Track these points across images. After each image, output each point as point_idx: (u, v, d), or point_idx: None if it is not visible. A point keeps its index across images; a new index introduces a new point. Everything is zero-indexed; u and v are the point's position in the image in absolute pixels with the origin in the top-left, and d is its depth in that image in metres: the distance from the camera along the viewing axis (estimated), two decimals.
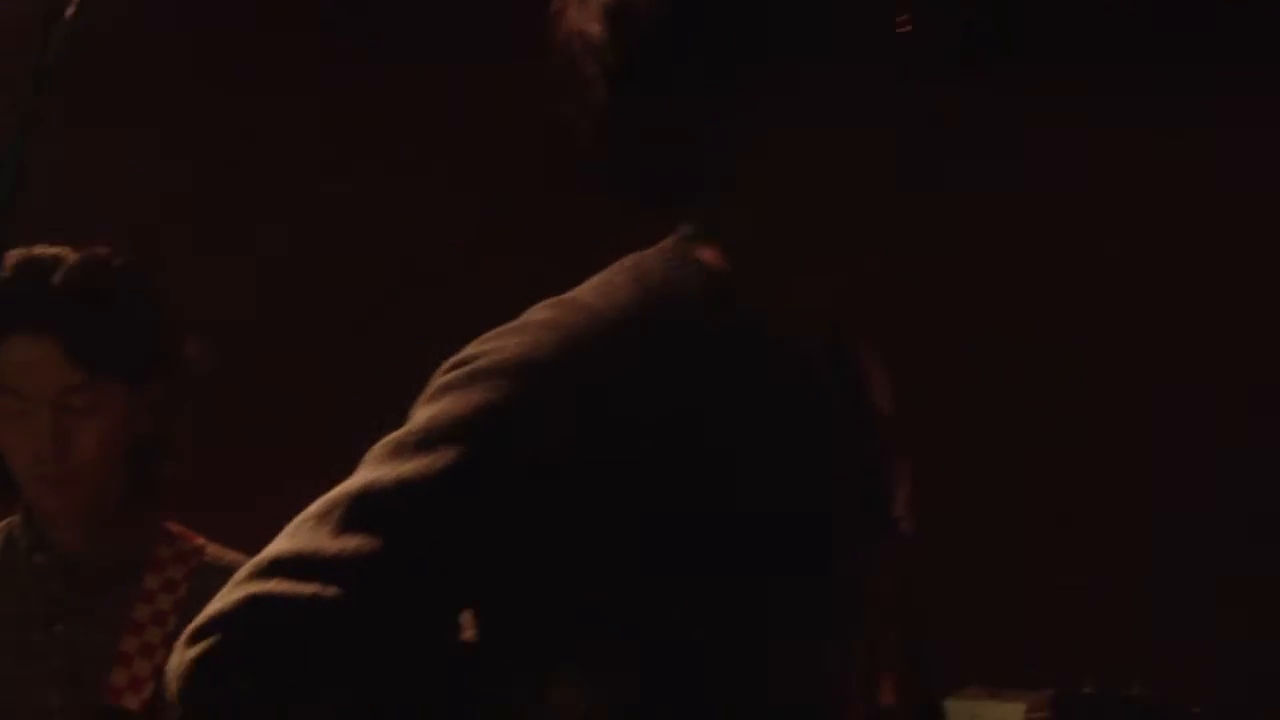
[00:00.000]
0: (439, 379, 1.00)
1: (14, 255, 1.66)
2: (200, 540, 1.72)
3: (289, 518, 0.99)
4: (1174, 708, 2.53)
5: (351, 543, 0.94)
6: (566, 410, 0.97)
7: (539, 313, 1.02)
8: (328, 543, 0.95)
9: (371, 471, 0.97)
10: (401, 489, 0.95)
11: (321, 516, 0.97)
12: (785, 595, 1.02)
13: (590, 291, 1.04)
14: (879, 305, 1.20)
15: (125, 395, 1.70)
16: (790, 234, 1.05)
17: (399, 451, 0.96)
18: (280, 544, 0.98)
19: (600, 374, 0.98)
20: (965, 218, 2.71)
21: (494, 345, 0.99)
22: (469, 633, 1.04)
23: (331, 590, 0.93)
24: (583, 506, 0.97)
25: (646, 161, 1.04)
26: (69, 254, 1.73)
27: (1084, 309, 3.10)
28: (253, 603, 0.95)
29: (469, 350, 1.01)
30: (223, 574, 1.14)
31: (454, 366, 1.00)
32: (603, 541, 0.98)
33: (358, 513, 0.95)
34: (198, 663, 0.96)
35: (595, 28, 1.01)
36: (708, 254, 1.05)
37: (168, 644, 1.19)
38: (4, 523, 1.76)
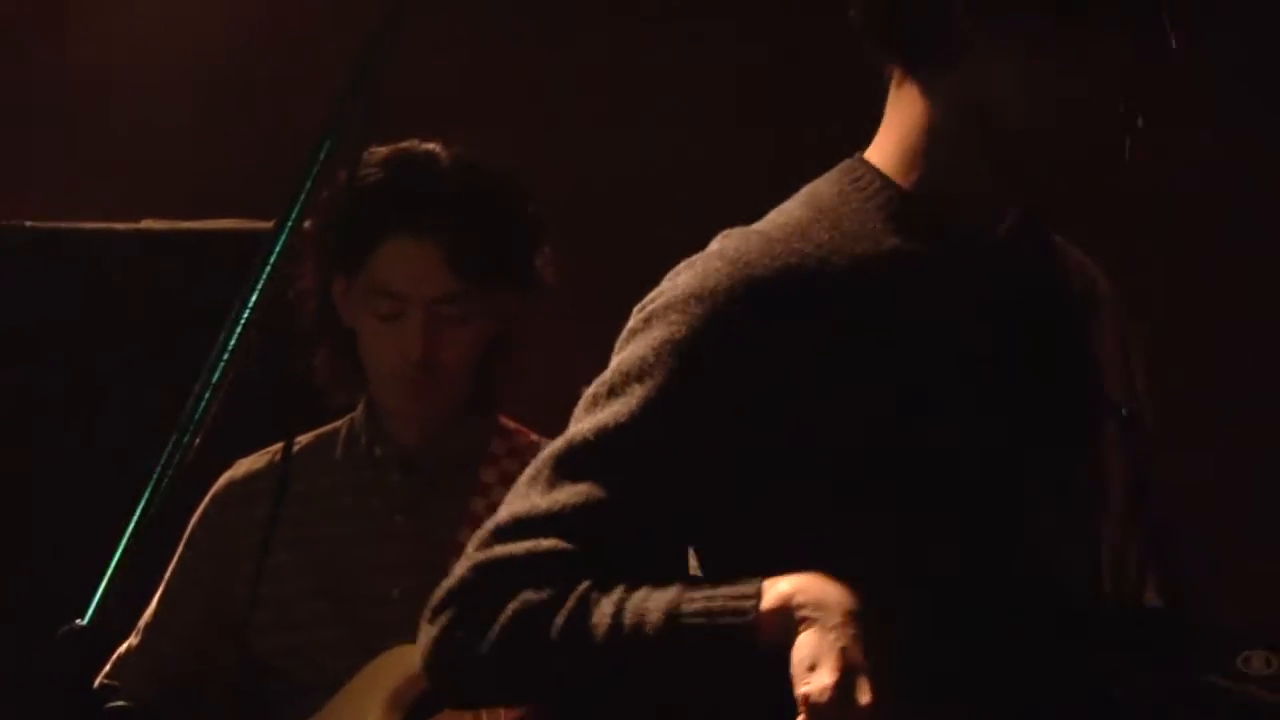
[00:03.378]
0: (627, 327, 1.08)
1: (386, 151, 1.73)
2: (535, 436, 1.76)
3: None
4: None
5: (561, 495, 1.01)
6: (742, 330, 1.02)
7: (713, 245, 1.09)
8: (539, 500, 1.02)
9: (573, 428, 1.05)
10: (599, 435, 1.02)
11: (533, 479, 1.04)
12: (980, 479, 1.05)
13: (766, 220, 1.10)
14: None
15: (490, 303, 1.76)
16: (987, 155, 1.08)
17: (595, 402, 1.04)
18: (500, 513, 1.05)
19: (770, 292, 1.03)
20: None
21: (668, 284, 1.07)
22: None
23: (547, 542, 1.00)
24: (778, 416, 1.02)
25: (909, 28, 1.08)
26: (444, 152, 1.78)
27: None
28: (478, 570, 1.02)
29: (651, 293, 1.08)
30: None
31: (638, 311, 1.07)
32: (804, 446, 1.02)
33: (564, 467, 1.02)
34: (437, 642, 1.04)
35: None
36: (892, 163, 1.10)
37: None
38: (346, 418, 1.88)
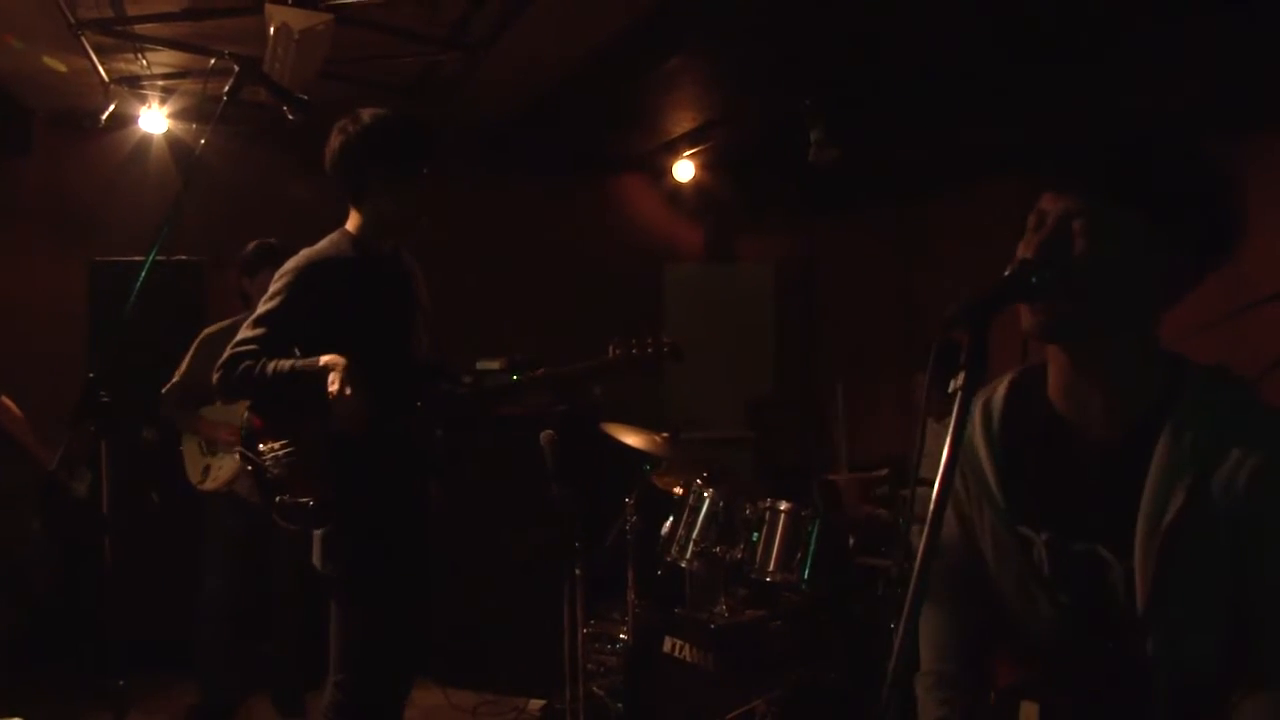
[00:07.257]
0: (274, 277, 3.06)
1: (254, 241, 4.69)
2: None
3: None
4: None
5: (253, 332, 3.02)
6: (308, 282, 3.03)
7: (304, 250, 3.10)
8: (248, 333, 3.03)
9: (258, 310, 3.03)
10: (264, 314, 3.03)
11: (249, 325, 3.02)
12: (379, 335, 3.08)
13: (321, 241, 3.14)
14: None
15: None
16: (381, 223, 3.11)
17: (263, 303, 3.04)
18: (237, 336, 3.02)
19: (317, 269, 3.05)
20: None
21: (289, 262, 3.08)
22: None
23: (250, 346, 2.99)
24: (316, 308, 2.99)
25: (350, 186, 3.10)
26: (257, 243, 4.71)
27: None
28: (230, 355, 3.00)
29: (283, 266, 3.06)
30: None
31: (279, 273, 3.05)
32: (322, 317, 3.01)
33: (254, 323, 3.03)
34: (219, 379, 2.99)
35: (336, 142, 3.08)
36: (352, 228, 3.14)
37: None
38: (230, 319, 4.52)
